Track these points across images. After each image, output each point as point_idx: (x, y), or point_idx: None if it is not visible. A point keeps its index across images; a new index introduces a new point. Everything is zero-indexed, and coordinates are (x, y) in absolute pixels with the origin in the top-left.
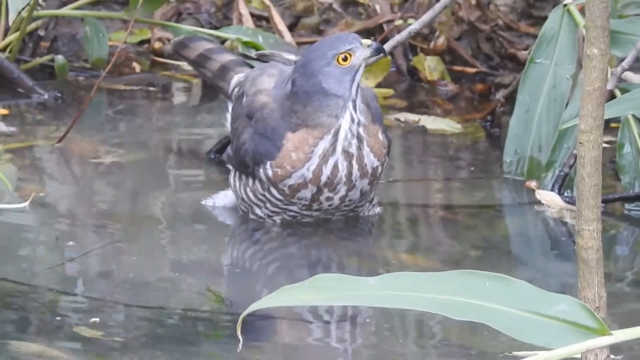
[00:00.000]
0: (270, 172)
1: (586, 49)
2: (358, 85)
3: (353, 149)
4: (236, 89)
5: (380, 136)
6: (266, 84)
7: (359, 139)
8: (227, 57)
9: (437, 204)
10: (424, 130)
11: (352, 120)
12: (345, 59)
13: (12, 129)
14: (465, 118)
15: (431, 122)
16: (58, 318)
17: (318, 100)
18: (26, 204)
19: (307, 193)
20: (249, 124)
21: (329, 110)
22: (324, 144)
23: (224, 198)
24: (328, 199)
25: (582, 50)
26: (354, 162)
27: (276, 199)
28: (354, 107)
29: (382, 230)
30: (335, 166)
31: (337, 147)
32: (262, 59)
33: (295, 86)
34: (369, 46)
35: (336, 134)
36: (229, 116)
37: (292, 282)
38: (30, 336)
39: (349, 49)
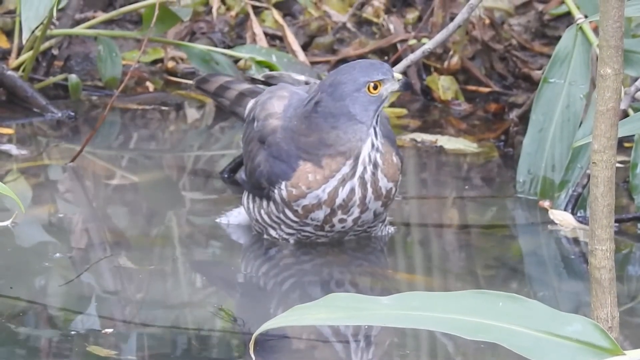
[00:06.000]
0: (284, 193)
1: (600, 68)
2: (379, 114)
3: (368, 175)
4: (248, 113)
5: (394, 159)
6: (276, 108)
7: (375, 165)
8: (244, 86)
9: (450, 224)
10: (439, 150)
11: (373, 146)
12: (375, 88)
13: (23, 152)
14: (479, 138)
15: (448, 142)
16: (71, 337)
17: (343, 123)
18: (8, 222)
19: (320, 214)
20: (262, 147)
21: (351, 135)
22: (346, 169)
23: (237, 216)
24: (341, 220)
25: (596, 69)
26: (368, 186)
27: (291, 220)
28: (375, 134)
29: (395, 250)
30: (352, 190)
31: (356, 172)
32: (270, 80)
33: (320, 106)
34: (399, 80)
35: (357, 159)
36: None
37: (305, 301)
38: (44, 356)
39: (381, 79)
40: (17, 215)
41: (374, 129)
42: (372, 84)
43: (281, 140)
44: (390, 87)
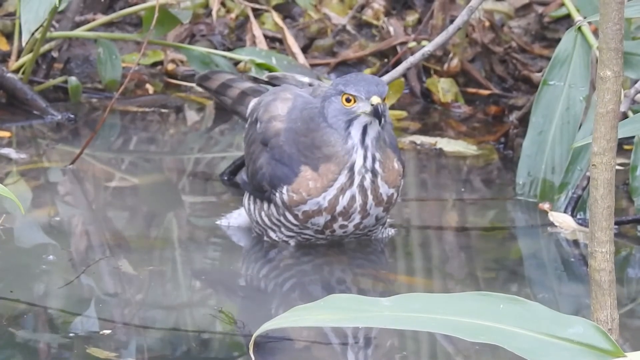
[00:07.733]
0: (285, 197)
1: (599, 70)
2: (365, 132)
3: (367, 183)
4: (251, 113)
5: (396, 164)
6: (279, 110)
7: (374, 173)
8: (246, 85)
9: (450, 226)
10: (439, 152)
11: (365, 158)
12: (348, 101)
13: (23, 156)
14: (479, 140)
15: (447, 145)
16: (71, 339)
17: (320, 123)
18: None
19: (320, 220)
20: (265, 149)
21: (332, 138)
22: (343, 179)
23: (238, 218)
24: (342, 226)
25: (596, 72)
26: (368, 193)
27: (291, 223)
28: (362, 145)
29: (395, 252)
30: (353, 197)
31: (354, 181)
32: (274, 81)
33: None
34: (372, 105)
35: (351, 170)
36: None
37: (305, 302)
38: (44, 358)
39: (355, 96)
40: (9, 218)
41: (364, 141)
42: (345, 96)
43: (284, 143)
44: (362, 107)
